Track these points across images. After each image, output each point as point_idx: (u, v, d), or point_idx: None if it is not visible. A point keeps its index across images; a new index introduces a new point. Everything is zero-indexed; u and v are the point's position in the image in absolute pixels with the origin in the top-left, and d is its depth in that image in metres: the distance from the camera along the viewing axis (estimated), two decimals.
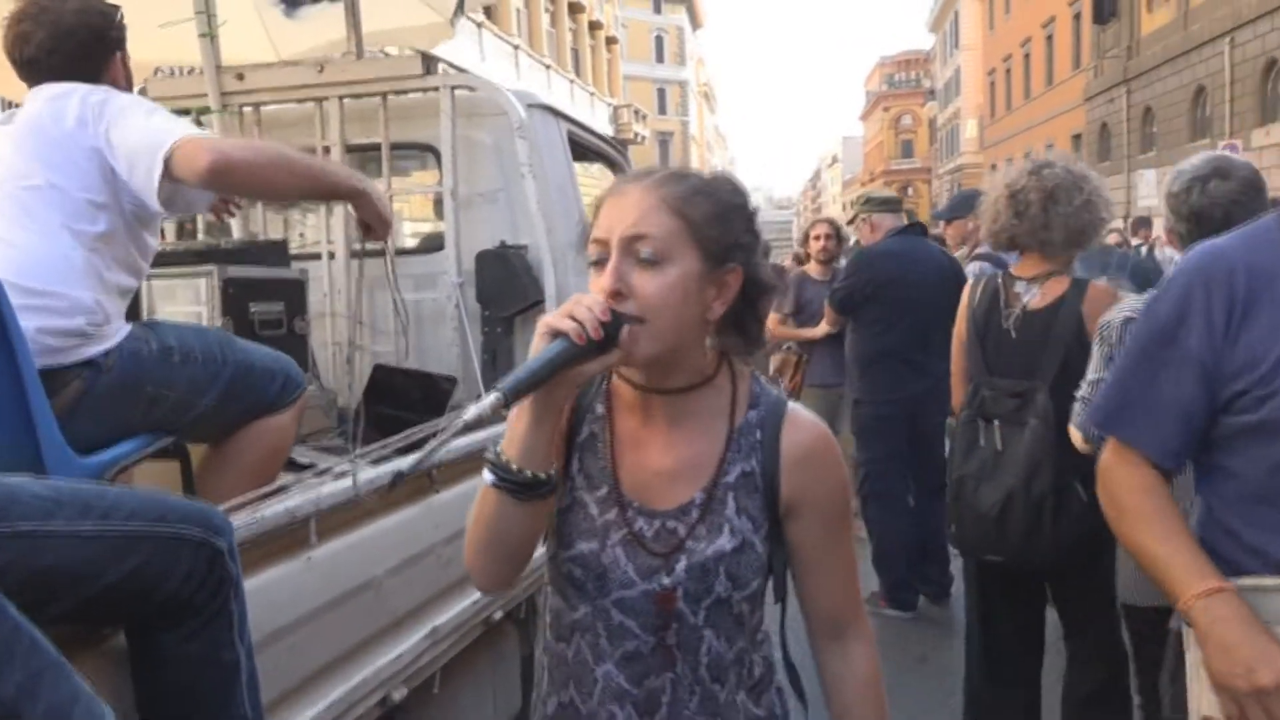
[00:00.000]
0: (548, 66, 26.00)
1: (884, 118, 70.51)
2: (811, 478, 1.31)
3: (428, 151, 3.32)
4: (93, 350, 1.87)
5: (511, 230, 3.24)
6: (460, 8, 3.73)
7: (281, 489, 1.83)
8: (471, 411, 1.09)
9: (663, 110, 52.37)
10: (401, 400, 2.82)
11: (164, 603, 1.34)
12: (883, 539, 4.68)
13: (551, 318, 1.15)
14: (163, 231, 3.24)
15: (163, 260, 2.66)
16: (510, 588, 1.50)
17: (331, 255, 3.19)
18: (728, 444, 1.30)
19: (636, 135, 34.82)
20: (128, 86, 2.13)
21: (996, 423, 2.71)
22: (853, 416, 4.83)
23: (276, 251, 2.87)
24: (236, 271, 2.62)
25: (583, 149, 3.66)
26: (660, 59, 52.96)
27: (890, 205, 4.81)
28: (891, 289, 4.49)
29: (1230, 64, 19.34)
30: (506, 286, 3.14)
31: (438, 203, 3.27)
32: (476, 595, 2.39)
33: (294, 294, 2.83)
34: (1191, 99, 21.40)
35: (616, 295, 1.18)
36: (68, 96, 1.94)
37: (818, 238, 5.77)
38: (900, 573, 4.66)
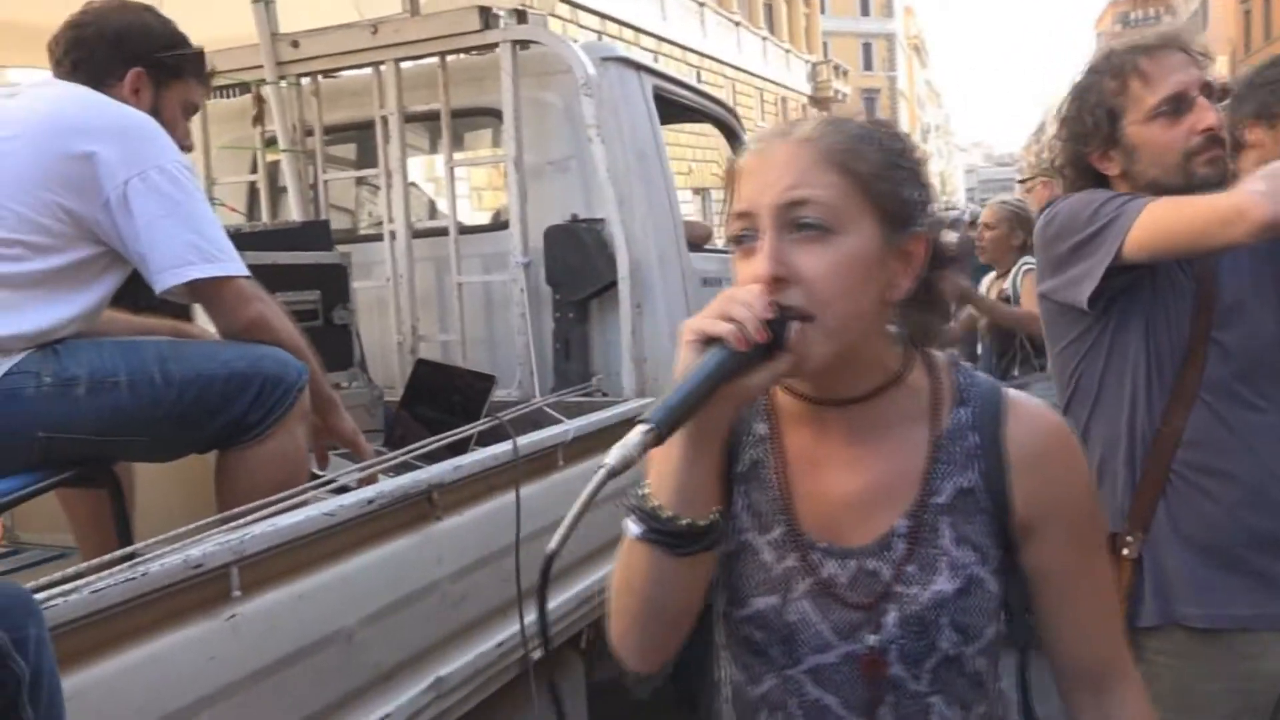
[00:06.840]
0: (737, 24, 25.25)
1: None
2: (1051, 483, 1.03)
3: (495, 117, 2.96)
4: None
5: (585, 202, 2.83)
6: None
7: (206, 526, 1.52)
8: (614, 454, 0.83)
9: (868, 66, 50.30)
10: (441, 401, 2.49)
11: None
12: None
13: (700, 320, 0.90)
14: None
15: None
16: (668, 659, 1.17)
17: (393, 235, 2.89)
18: (933, 455, 1.02)
19: (837, 93, 33.54)
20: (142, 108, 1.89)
21: None
22: None
23: (315, 233, 2.59)
24: (257, 258, 2.35)
25: (681, 109, 3.19)
26: (865, 11, 50.84)
27: None
28: None
29: None
30: (578, 266, 2.74)
31: None
32: (503, 636, 2.04)
33: (333, 280, 2.55)
34: None
35: (777, 283, 0.92)
36: (88, 135, 1.69)
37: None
38: None
